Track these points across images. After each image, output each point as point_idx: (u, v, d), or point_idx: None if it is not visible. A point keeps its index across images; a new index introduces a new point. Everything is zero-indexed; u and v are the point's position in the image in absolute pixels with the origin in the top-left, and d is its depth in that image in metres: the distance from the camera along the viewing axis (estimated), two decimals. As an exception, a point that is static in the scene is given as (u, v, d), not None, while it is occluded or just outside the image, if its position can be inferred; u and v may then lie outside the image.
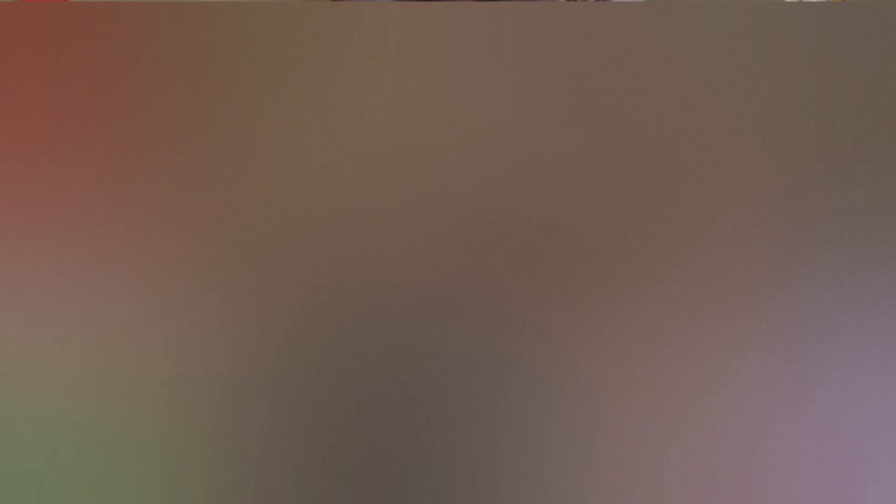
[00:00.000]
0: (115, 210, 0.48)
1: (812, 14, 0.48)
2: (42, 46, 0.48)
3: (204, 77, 0.48)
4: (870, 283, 0.48)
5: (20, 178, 0.48)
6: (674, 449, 0.48)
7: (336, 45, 0.48)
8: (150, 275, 0.48)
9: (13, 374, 0.48)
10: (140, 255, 0.48)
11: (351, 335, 0.48)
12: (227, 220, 0.49)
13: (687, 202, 0.49)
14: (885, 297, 0.48)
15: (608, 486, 0.48)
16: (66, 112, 0.48)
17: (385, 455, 0.48)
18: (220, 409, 0.48)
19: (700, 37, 0.48)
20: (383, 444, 0.48)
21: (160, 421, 0.48)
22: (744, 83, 0.49)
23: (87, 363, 0.48)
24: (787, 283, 0.49)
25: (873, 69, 0.48)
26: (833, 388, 0.48)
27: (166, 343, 0.48)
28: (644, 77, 0.49)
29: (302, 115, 0.49)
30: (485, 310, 0.48)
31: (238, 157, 0.49)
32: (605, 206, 0.49)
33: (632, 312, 0.49)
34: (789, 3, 0.48)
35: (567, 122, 0.49)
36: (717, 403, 0.48)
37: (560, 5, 0.49)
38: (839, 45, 0.48)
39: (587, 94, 0.49)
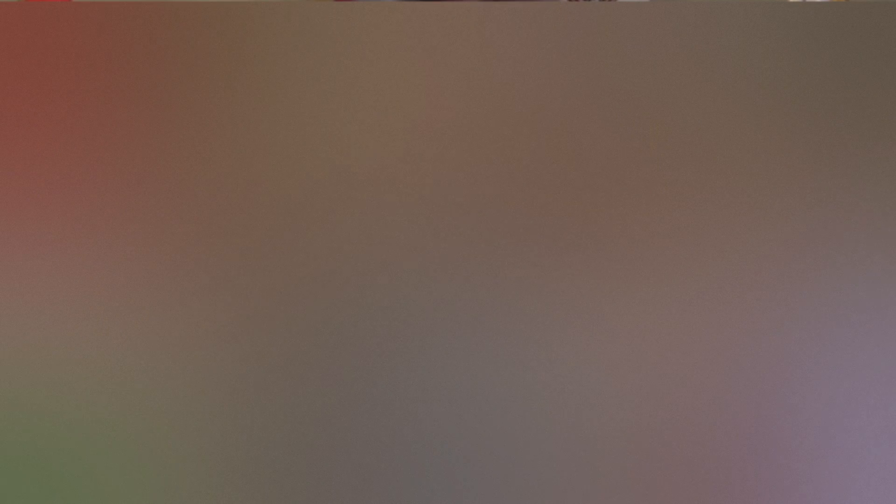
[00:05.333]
0: (115, 209, 0.49)
1: (812, 14, 0.48)
2: (43, 46, 0.49)
3: (204, 77, 0.49)
4: (869, 282, 0.48)
5: (21, 177, 0.48)
6: (671, 447, 0.48)
7: (336, 45, 0.49)
8: (150, 274, 0.48)
9: (13, 374, 0.48)
10: (139, 254, 0.48)
11: (352, 332, 0.48)
12: (227, 220, 0.49)
13: (687, 201, 0.49)
14: (886, 295, 0.48)
15: (604, 484, 0.48)
16: (67, 112, 0.49)
17: (385, 452, 0.48)
18: (221, 409, 0.48)
19: (700, 37, 0.48)
20: (385, 440, 0.48)
21: (160, 420, 0.48)
22: (744, 83, 0.48)
23: (86, 362, 0.48)
24: (785, 282, 0.48)
25: (873, 69, 0.48)
26: (832, 385, 0.48)
27: (166, 342, 0.48)
28: (644, 77, 0.49)
29: (302, 115, 0.49)
30: (485, 311, 0.48)
31: (238, 156, 0.49)
32: (605, 205, 0.49)
33: (629, 309, 0.48)
34: (789, 3, 0.48)
35: (567, 121, 0.49)
36: (716, 401, 0.48)
37: (560, 5, 0.49)
38: (839, 45, 0.48)
39: (587, 93, 0.49)
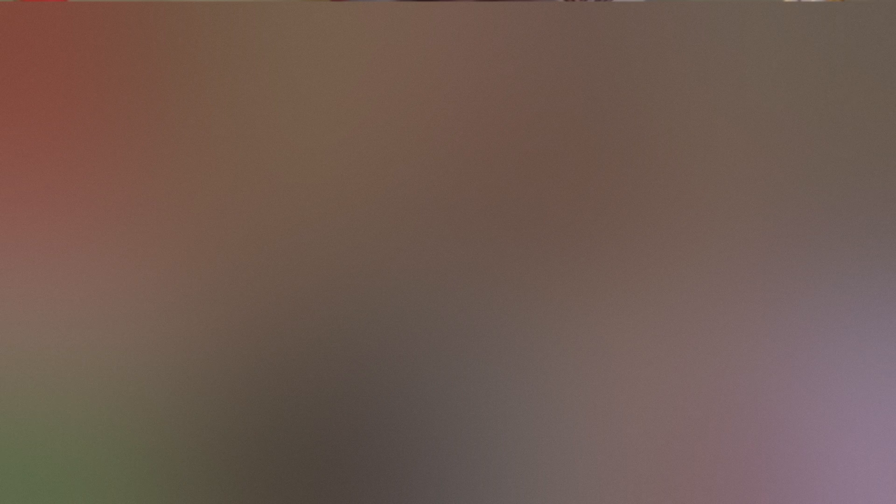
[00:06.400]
0: (114, 209, 0.48)
1: (812, 14, 0.48)
2: (42, 46, 0.48)
3: (204, 77, 0.48)
4: (869, 283, 0.48)
5: (20, 178, 0.48)
6: (670, 449, 0.48)
7: (336, 45, 0.48)
8: (150, 274, 0.48)
9: (13, 375, 0.48)
10: (139, 254, 0.48)
11: (351, 333, 0.48)
12: (227, 220, 0.48)
13: (686, 201, 0.49)
14: (886, 296, 0.48)
15: (603, 487, 0.48)
16: (65, 112, 0.48)
17: (385, 452, 0.48)
18: (220, 409, 0.48)
19: (700, 37, 0.49)
20: (385, 441, 0.48)
21: (159, 421, 0.48)
22: (744, 83, 0.49)
23: (85, 363, 0.48)
24: (785, 283, 0.49)
25: (873, 69, 0.48)
26: (832, 386, 0.48)
27: (165, 343, 0.48)
28: (644, 77, 0.49)
29: (302, 115, 0.49)
30: (485, 310, 0.48)
31: (238, 156, 0.48)
32: (605, 205, 0.49)
33: (629, 311, 0.49)
34: (789, 3, 0.49)
35: (567, 121, 0.49)
36: (716, 402, 0.48)
37: (560, 5, 0.49)
38: (839, 45, 0.48)
39: (587, 94, 0.49)
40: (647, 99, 0.49)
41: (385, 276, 0.48)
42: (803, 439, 0.48)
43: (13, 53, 0.48)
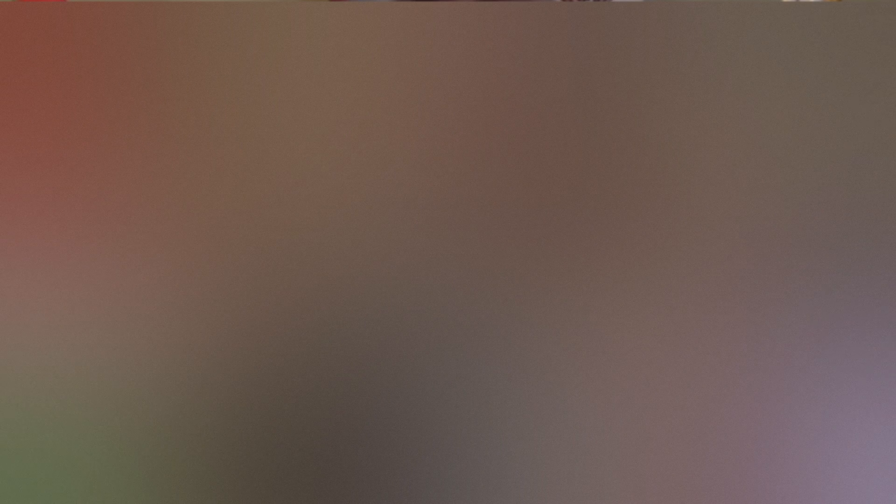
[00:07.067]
0: (114, 210, 0.48)
1: (812, 14, 0.49)
2: (40, 46, 0.48)
3: (204, 77, 0.48)
4: (869, 283, 0.48)
5: (20, 178, 0.48)
6: (668, 449, 0.48)
7: (336, 45, 0.48)
8: (149, 274, 0.48)
9: (13, 375, 0.48)
10: (138, 254, 0.48)
11: (351, 334, 0.48)
12: (227, 220, 0.48)
13: (687, 201, 0.49)
14: (886, 296, 0.48)
15: (603, 485, 0.48)
16: (64, 112, 0.48)
17: (386, 452, 0.48)
18: (220, 410, 0.48)
19: (700, 37, 0.49)
20: (385, 441, 0.48)
21: (159, 422, 0.48)
22: (744, 83, 0.49)
23: (85, 364, 0.48)
24: (786, 283, 0.49)
25: (873, 69, 0.48)
26: (833, 386, 0.48)
27: (165, 343, 0.48)
28: (644, 77, 0.49)
29: (302, 115, 0.49)
30: (482, 311, 0.48)
31: (238, 157, 0.48)
32: (605, 205, 0.49)
33: (630, 310, 0.49)
34: (789, 3, 0.49)
35: (567, 121, 0.49)
36: (716, 401, 0.48)
37: (560, 5, 0.49)
38: (839, 45, 0.48)
39: (587, 93, 0.49)
40: (646, 99, 0.49)
41: (385, 275, 0.48)
42: (804, 439, 0.48)
43: (13, 53, 0.48)
